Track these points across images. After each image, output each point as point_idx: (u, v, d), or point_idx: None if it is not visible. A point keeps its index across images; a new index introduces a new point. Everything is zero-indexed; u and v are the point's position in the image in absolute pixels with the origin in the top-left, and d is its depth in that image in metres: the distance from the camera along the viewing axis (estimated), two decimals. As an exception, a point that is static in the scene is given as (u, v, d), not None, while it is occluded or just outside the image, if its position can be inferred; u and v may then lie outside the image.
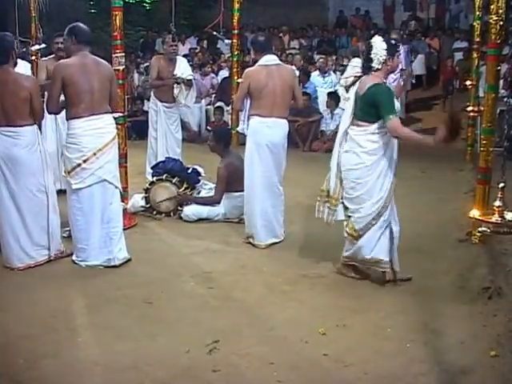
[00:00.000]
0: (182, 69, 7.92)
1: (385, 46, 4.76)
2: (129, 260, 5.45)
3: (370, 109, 4.74)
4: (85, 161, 5.22)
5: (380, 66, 4.78)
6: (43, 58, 7.36)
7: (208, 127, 11.42)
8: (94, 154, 5.21)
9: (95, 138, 5.21)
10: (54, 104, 5.28)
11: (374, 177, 4.80)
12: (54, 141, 7.43)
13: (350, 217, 4.97)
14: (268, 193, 5.89)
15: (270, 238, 5.94)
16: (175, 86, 7.74)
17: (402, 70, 11.84)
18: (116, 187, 5.41)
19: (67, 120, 5.32)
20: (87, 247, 5.36)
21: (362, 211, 4.87)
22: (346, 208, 5.00)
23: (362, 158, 4.81)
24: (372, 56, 4.76)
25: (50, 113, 5.52)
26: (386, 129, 4.70)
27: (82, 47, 5.24)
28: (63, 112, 5.42)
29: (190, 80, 7.79)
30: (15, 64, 5.33)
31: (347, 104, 5.08)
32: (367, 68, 4.84)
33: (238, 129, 6.21)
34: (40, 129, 5.50)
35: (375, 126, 4.75)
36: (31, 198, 5.27)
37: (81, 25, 5.35)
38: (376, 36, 4.94)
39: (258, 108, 5.79)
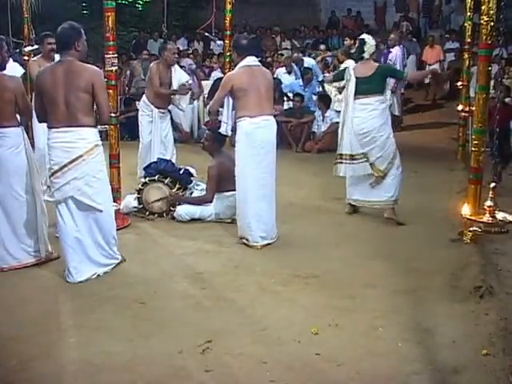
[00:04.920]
0: (179, 74, 7.94)
1: (374, 42, 6.59)
2: (120, 262, 5.41)
3: (383, 83, 6.64)
4: (52, 174, 5.00)
5: (368, 57, 6.54)
6: (33, 58, 7.34)
7: (204, 126, 11.42)
8: (60, 168, 4.93)
9: (62, 152, 4.93)
10: (36, 113, 5.16)
11: (388, 127, 6.64)
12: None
13: (372, 164, 6.54)
14: (262, 194, 5.90)
15: (265, 239, 5.95)
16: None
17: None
18: (88, 205, 5.02)
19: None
20: (80, 265, 5.08)
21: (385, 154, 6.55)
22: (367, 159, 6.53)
23: (382, 117, 6.53)
24: (365, 49, 6.48)
25: (38, 121, 5.35)
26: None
27: (62, 53, 5.04)
28: None
29: (190, 84, 7.86)
30: (4, 66, 5.27)
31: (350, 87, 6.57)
32: (360, 58, 6.58)
33: (220, 130, 6.24)
34: (27, 130, 5.45)
35: (384, 94, 6.69)
36: (17, 199, 5.22)
37: (59, 29, 5.04)
38: (365, 34, 6.75)
39: (245, 109, 5.81)
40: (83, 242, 5.09)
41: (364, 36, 6.68)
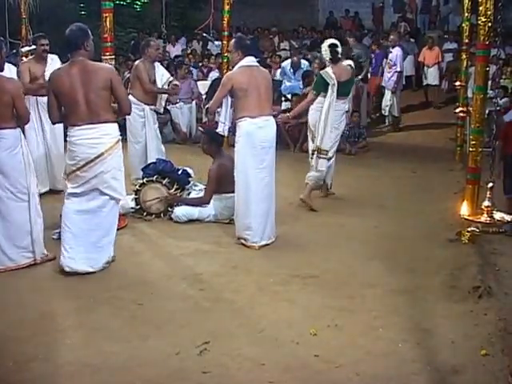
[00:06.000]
0: (161, 71, 7.97)
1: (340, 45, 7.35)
2: (113, 260, 5.42)
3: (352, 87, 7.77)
4: (78, 169, 5.13)
5: (341, 57, 7.20)
6: (24, 60, 7.33)
7: (200, 128, 11.39)
8: (87, 163, 5.09)
9: (88, 148, 5.08)
10: (51, 114, 5.29)
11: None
12: (41, 144, 7.39)
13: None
14: (263, 194, 5.91)
15: (264, 240, 5.95)
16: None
17: (398, 72, 12.01)
18: (113, 197, 5.26)
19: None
20: (73, 251, 5.21)
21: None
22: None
23: (342, 116, 7.36)
24: (338, 51, 7.15)
25: (52, 123, 5.52)
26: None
27: (72, 54, 5.13)
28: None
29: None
30: (2, 69, 5.29)
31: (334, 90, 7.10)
32: (336, 60, 7.14)
33: (217, 130, 6.26)
34: (24, 132, 5.46)
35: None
36: (13, 200, 5.21)
37: (68, 31, 5.15)
38: (332, 39, 7.46)
39: (245, 109, 5.81)
40: (89, 238, 5.22)
41: (332, 41, 7.30)
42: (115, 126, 5.27)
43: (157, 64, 8.00)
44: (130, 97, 7.87)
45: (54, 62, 7.23)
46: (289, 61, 12.19)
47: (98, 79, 5.07)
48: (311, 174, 7.25)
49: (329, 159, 7.28)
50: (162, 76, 7.88)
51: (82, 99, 5.03)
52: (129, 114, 5.82)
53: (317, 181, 7.28)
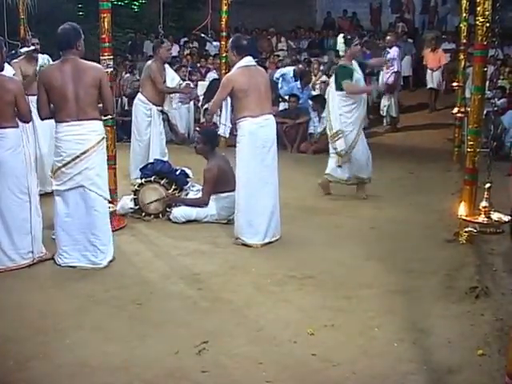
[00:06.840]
0: (171, 73, 8.00)
1: (342, 40, 7.42)
2: (112, 260, 5.45)
3: (337, 84, 7.44)
4: (64, 165, 5.23)
5: (343, 54, 7.42)
6: (15, 60, 7.35)
7: (197, 128, 11.40)
8: (73, 159, 5.20)
9: (74, 144, 5.19)
10: (41, 110, 5.35)
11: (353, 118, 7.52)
12: (32, 143, 7.37)
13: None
14: (265, 192, 5.95)
15: (268, 237, 5.98)
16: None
17: (396, 72, 12.05)
18: (99, 195, 5.33)
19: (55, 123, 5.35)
20: (68, 249, 5.34)
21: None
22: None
23: (348, 107, 7.46)
24: (338, 48, 7.58)
25: (41, 118, 5.54)
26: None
27: (63, 52, 5.23)
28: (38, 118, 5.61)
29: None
30: (2, 68, 5.32)
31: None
32: (339, 56, 7.78)
33: (219, 132, 6.30)
34: None
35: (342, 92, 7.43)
36: (13, 200, 5.24)
37: (61, 29, 5.25)
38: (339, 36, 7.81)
39: (246, 109, 5.84)
40: (86, 237, 5.31)
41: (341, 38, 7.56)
42: (101, 123, 5.39)
43: (167, 66, 8.04)
44: (140, 95, 7.91)
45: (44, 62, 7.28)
46: (290, 68, 12.08)
47: (88, 77, 5.19)
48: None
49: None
50: (172, 80, 7.92)
51: (72, 96, 5.15)
52: (111, 115, 5.89)
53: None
